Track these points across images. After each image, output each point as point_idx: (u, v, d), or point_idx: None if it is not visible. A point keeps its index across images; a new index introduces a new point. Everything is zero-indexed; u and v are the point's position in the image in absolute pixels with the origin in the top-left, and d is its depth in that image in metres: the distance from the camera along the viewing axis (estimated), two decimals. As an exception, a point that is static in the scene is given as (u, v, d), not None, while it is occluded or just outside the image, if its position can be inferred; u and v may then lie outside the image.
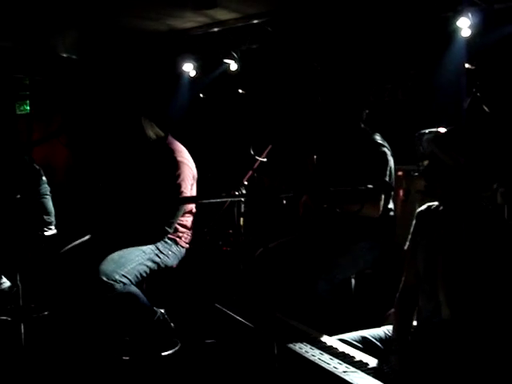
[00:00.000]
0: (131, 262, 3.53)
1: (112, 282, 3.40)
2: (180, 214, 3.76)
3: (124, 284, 3.45)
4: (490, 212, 2.28)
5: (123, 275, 3.45)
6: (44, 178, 4.49)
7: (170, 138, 3.91)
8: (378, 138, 3.48)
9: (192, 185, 3.84)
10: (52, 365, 3.59)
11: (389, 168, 3.39)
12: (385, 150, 3.42)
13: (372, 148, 3.44)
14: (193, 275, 4.48)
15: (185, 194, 3.74)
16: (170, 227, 3.71)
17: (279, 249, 3.62)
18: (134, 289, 3.51)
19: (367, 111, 3.58)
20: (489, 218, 2.25)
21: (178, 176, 3.72)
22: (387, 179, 3.35)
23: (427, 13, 4.87)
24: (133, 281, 3.51)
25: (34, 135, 7.21)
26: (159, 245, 3.71)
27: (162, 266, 3.72)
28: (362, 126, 3.57)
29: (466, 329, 2.18)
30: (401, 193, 4.35)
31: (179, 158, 3.78)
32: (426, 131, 3.91)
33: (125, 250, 3.58)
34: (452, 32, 4.77)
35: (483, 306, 2.17)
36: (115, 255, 3.53)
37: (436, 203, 2.44)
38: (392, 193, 3.55)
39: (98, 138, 6.60)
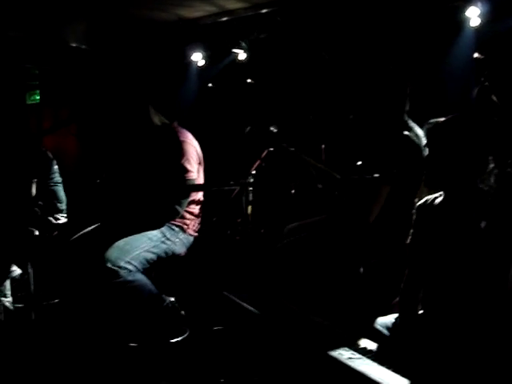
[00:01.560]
0: (136, 249, 3.55)
1: (116, 269, 3.43)
2: (189, 195, 3.78)
3: (129, 271, 3.47)
4: (487, 193, 2.30)
5: (128, 262, 3.48)
6: (56, 166, 4.53)
7: (176, 124, 3.94)
8: (409, 132, 3.35)
9: (199, 165, 3.86)
10: (61, 352, 3.63)
11: (406, 162, 3.25)
12: (410, 144, 3.29)
13: (396, 141, 3.33)
14: (202, 263, 4.51)
15: (191, 174, 3.76)
16: (180, 206, 3.73)
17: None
18: (139, 276, 3.53)
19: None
20: (488, 200, 2.28)
21: (182, 155, 3.74)
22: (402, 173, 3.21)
23: (436, 2, 4.84)
24: (139, 267, 3.53)
25: (43, 125, 7.25)
26: (166, 232, 3.73)
27: (170, 253, 3.74)
28: (406, 118, 3.46)
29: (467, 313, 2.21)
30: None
31: (182, 138, 3.81)
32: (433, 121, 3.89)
33: (131, 237, 3.60)
34: (461, 21, 4.75)
35: (489, 291, 2.20)
36: (121, 242, 3.55)
37: (434, 196, 2.47)
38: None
39: (107, 126, 6.63)
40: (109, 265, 3.43)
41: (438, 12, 4.90)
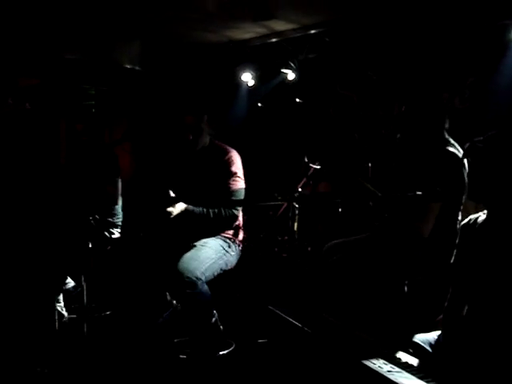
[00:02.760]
0: (208, 260, 3.65)
1: (194, 280, 3.50)
2: (242, 201, 3.89)
3: (202, 282, 3.56)
4: None
5: (202, 273, 3.56)
6: (120, 184, 4.64)
7: (216, 140, 4.06)
8: (452, 149, 3.29)
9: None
10: (112, 362, 3.74)
11: (452, 180, 3.19)
12: (454, 161, 3.22)
13: (438, 158, 3.26)
14: (249, 278, 4.57)
15: (242, 182, 3.89)
16: (236, 210, 3.85)
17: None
18: (206, 287, 3.60)
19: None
20: None
21: (233, 164, 3.88)
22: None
23: (484, 21, 4.84)
24: (207, 279, 3.62)
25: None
26: (223, 244, 3.82)
27: (229, 264, 3.84)
28: (446, 136, 3.39)
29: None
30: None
31: (229, 149, 3.95)
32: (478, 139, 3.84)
33: (196, 249, 3.70)
34: (509, 40, 4.74)
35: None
36: (190, 254, 3.64)
37: (477, 215, 2.48)
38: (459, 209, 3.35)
39: (161, 144, 6.78)
40: (189, 275, 3.49)
41: (486, 31, 4.90)
